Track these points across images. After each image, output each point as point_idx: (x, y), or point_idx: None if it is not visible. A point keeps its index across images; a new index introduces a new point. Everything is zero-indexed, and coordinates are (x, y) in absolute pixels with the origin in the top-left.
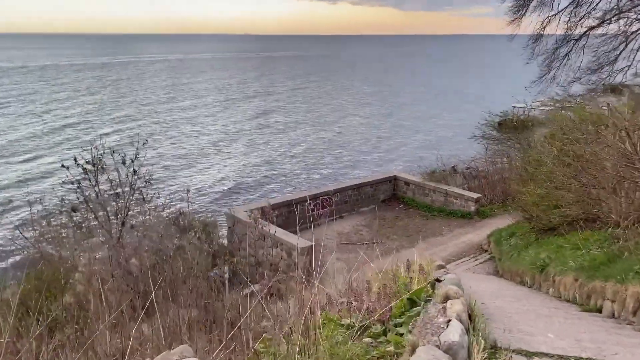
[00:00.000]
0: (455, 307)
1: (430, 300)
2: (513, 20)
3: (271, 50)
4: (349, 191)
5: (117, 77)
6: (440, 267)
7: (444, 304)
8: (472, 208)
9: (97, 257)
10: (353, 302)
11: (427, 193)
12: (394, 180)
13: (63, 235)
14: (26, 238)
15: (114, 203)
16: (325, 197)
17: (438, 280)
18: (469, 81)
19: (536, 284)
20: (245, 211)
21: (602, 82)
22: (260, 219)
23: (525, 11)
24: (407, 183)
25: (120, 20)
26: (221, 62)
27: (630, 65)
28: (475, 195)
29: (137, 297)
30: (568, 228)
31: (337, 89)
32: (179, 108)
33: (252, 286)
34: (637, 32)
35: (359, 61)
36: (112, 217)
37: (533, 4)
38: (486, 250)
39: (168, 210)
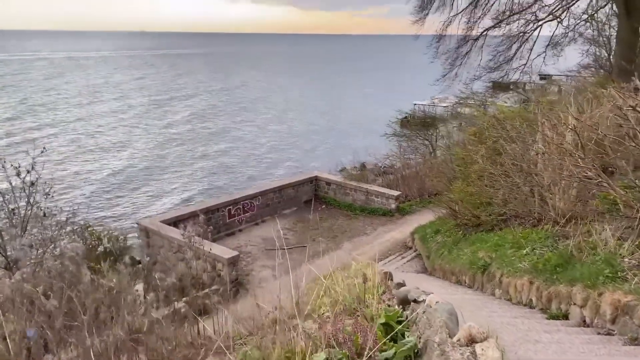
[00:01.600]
0: (490, 353)
1: (403, 322)
2: (417, 21)
3: (169, 47)
4: (271, 194)
5: (7, 77)
6: (400, 285)
7: (470, 349)
8: (393, 205)
9: None
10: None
11: (348, 192)
12: (315, 180)
13: None
14: None
15: (7, 220)
16: (247, 201)
17: (415, 302)
18: (373, 80)
19: (477, 284)
20: (162, 222)
21: (500, 80)
22: (194, 237)
23: (428, 12)
24: (328, 183)
25: None
26: (113, 60)
27: (526, 64)
28: (395, 193)
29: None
30: (500, 225)
31: (244, 86)
32: (70, 108)
33: (175, 304)
34: (530, 33)
35: (262, 59)
36: (7, 237)
37: (435, 5)
38: (410, 248)
39: (71, 225)
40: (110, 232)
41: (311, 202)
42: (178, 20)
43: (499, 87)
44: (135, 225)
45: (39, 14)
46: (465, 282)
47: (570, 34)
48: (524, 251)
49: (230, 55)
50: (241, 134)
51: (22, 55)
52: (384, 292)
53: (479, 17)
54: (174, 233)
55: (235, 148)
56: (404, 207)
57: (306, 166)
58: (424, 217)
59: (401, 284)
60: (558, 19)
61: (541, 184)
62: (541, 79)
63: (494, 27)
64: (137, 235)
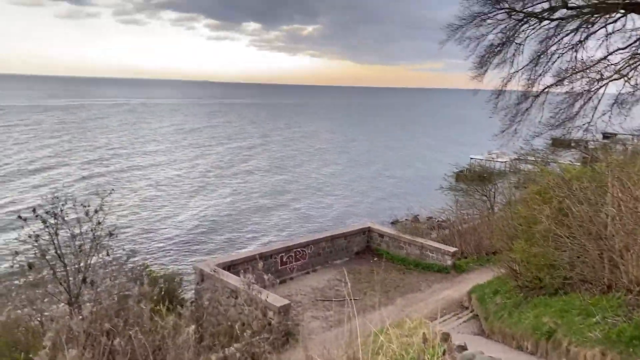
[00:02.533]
0: None
1: None
2: (475, 77)
3: (234, 97)
4: (322, 243)
5: (80, 120)
6: (462, 348)
7: None
8: (449, 262)
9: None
10: None
11: (402, 246)
12: (367, 232)
13: (14, 294)
14: None
15: (73, 256)
16: (299, 249)
17: None
18: (429, 132)
19: (541, 351)
20: (216, 265)
21: (562, 137)
22: (253, 284)
23: (487, 68)
24: (381, 235)
25: (74, 63)
26: (184, 107)
27: (590, 122)
28: (451, 249)
29: None
30: (565, 289)
31: (304, 136)
32: (144, 153)
33: (226, 350)
34: (594, 91)
35: (322, 110)
36: (72, 273)
37: (494, 62)
38: (467, 307)
39: (131, 265)
40: (167, 273)
41: (363, 253)
42: (242, 72)
43: (561, 144)
44: (192, 268)
45: (116, 63)
46: (528, 348)
47: (638, 93)
48: (594, 319)
49: (291, 106)
50: (297, 182)
51: (101, 101)
52: (443, 354)
53: (540, 74)
54: (228, 277)
55: (289, 195)
56: (460, 264)
57: (359, 216)
58: (482, 276)
59: (463, 347)
60: (625, 78)
61: (612, 249)
62: (605, 137)
63: (555, 84)
64: (193, 278)
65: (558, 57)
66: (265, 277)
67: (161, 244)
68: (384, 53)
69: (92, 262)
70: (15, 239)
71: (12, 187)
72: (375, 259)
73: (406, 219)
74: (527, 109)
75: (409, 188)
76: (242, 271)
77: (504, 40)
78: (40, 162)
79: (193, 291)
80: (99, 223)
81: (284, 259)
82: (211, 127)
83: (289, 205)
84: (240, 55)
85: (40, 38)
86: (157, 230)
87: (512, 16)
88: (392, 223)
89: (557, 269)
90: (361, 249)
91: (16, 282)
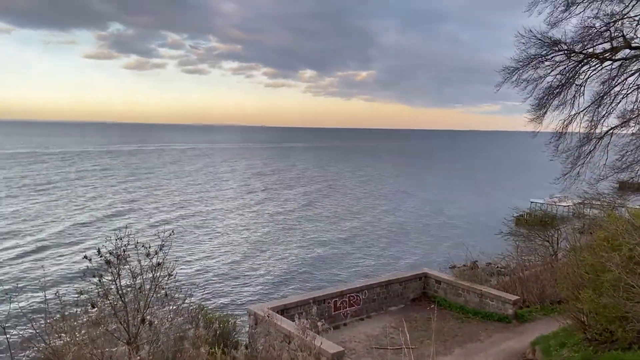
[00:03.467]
0: None
1: None
2: (534, 119)
3: (291, 141)
4: (377, 289)
5: (151, 164)
6: None
7: None
8: (510, 311)
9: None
10: None
11: (460, 293)
12: (424, 277)
13: (77, 332)
14: (36, 331)
15: (133, 296)
16: (352, 294)
17: None
18: (487, 175)
19: None
20: (269, 308)
21: (629, 180)
22: (308, 330)
23: (546, 111)
24: (438, 281)
25: (142, 110)
26: (246, 151)
27: None
28: (513, 297)
29: None
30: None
31: (358, 179)
32: (209, 196)
33: None
34: None
35: (375, 153)
36: (132, 313)
37: (554, 103)
38: None
39: (187, 305)
40: (222, 315)
41: (419, 300)
42: (298, 116)
43: (629, 188)
44: (246, 311)
45: (181, 110)
46: None
47: None
48: None
49: (345, 150)
50: (351, 225)
51: (168, 146)
52: None
53: (604, 115)
54: (282, 321)
55: (343, 237)
56: (522, 314)
57: (414, 260)
58: (546, 327)
59: None
60: None
61: None
62: None
63: (621, 126)
64: (247, 321)
65: (622, 98)
66: (319, 323)
67: (217, 286)
68: (438, 96)
69: (151, 302)
70: (81, 277)
71: (82, 227)
72: (432, 306)
73: (464, 265)
74: (590, 152)
75: (465, 232)
76: (296, 315)
77: (564, 81)
78: (109, 203)
79: (247, 334)
80: (159, 264)
81: (338, 304)
82: (273, 171)
83: (343, 247)
84: (296, 100)
85: (111, 88)
86: (214, 272)
87: (572, 57)
88: (450, 268)
89: (630, 322)
90: (417, 296)
91: (80, 320)
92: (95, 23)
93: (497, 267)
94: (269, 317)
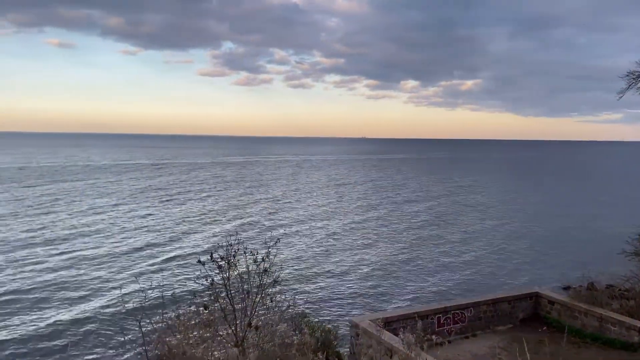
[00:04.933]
0: None
1: None
2: None
3: (392, 152)
4: (484, 306)
5: (259, 174)
6: None
7: None
8: (636, 339)
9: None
10: None
11: (576, 316)
12: (535, 297)
13: (190, 332)
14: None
15: (241, 300)
16: (457, 311)
17: None
18: (607, 189)
19: None
20: (371, 321)
21: None
22: (413, 345)
23: None
24: (551, 302)
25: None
26: (347, 163)
27: None
28: (639, 324)
29: None
30: None
31: (462, 191)
32: (313, 206)
33: None
34: None
35: (482, 164)
36: (239, 317)
37: None
38: None
39: (291, 312)
40: (324, 324)
41: (530, 321)
42: (399, 128)
43: None
44: (347, 321)
45: (284, 123)
46: None
47: None
48: None
49: (448, 161)
50: (453, 238)
51: (273, 158)
52: None
53: None
54: (384, 335)
55: (447, 250)
56: None
57: (523, 278)
58: None
59: None
60: None
61: None
62: None
63: None
64: (348, 331)
65: None
66: (433, 336)
67: (319, 295)
68: (549, 105)
69: (257, 307)
70: (194, 281)
71: (197, 232)
72: (545, 328)
73: (580, 285)
74: None
75: (581, 250)
76: (401, 329)
77: None
78: (222, 210)
79: (348, 345)
80: (266, 270)
81: (441, 321)
82: (374, 182)
83: (447, 261)
84: (398, 112)
85: (222, 104)
86: (316, 281)
87: None
88: (564, 289)
89: None
90: (527, 316)
91: (192, 321)
92: (210, 43)
93: (620, 290)
94: (370, 329)
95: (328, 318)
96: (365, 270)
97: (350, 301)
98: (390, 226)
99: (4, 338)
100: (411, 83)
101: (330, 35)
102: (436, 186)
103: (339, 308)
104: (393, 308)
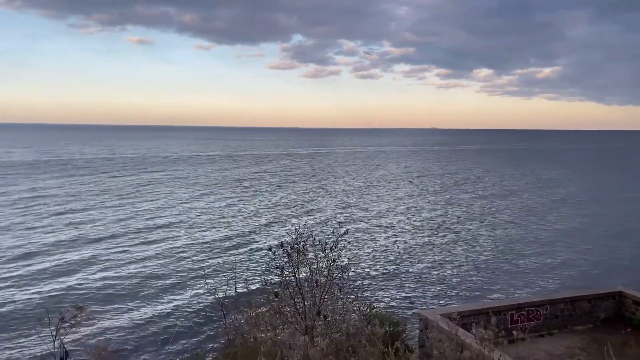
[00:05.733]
0: None
1: None
2: None
3: (463, 143)
4: (561, 304)
5: (328, 166)
6: None
7: None
8: None
9: (292, 347)
10: None
11: None
12: (618, 296)
13: (261, 318)
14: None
15: (309, 290)
16: (532, 308)
17: None
18: None
19: None
20: (441, 315)
21: None
22: (487, 341)
23: None
24: (637, 302)
25: (314, 116)
26: (418, 154)
27: None
28: None
29: None
30: None
31: (541, 186)
32: (383, 198)
33: None
34: None
35: (560, 155)
36: (308, 306)
37: None
38: None
39: (359, 303)
40: (392, 316)
41: (612, 321)
42: (470, 118)
43: None
44: (412, 314)
45: (352, 115)
46: None
47: None
48: None
49: (524, 152)
50: (527, 232)
51: (334, 149)
52: None
53: None
54: (454, 329)
55: (521, 246)
56: None
57: (604, 276)
58: None
59: None
60: None
61: None
62: None
63: None
64: (415, 324)
65: None
66: (514, 332)
67: (386, 286)
68: (636, 92)
69: (325, 296)
70: (266, 268)
71: (269, 222)
72: (629, 329)
73: None
74: None
75: None
76: (473, 324)
77: None
78: (291, 201)
79: (417, 339)
80: (334, 260)
81: (515, 317)
82: (447, 174)
83: (522, 254)
84: (470, 101)
85: (290, 96)
86: (385, 273)
87: None
88: None
89: None
90: (609, 316)
91: (263, 307)
92: (280, 36)
93: None
94: (440, 322)
95: (395, 310)
96: (433, 263)
97: (418, 294)
98: (459, 220)
99: (93, 331)
100: (484, 71)
101: (399, 24)
102: (518, 179)
103: (407, 301)
104: (462, 303)
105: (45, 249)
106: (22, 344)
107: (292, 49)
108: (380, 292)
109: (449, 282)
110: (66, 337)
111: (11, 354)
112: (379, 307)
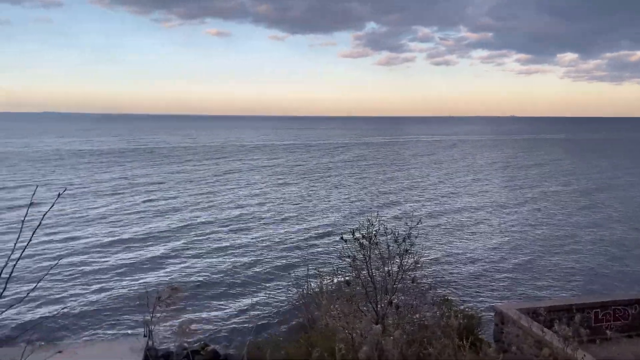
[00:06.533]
0: None
1: None
2: None
3: (546, 132)
4: None
5: (404, 155)
6: None
7: None
8: None
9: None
10: None
11: None
12: None
13: (332, 305)
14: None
15: (381, 279)
16: (618, 307)
17: None
18: None
19: None
20: (518, 309)
21: None
22: (570, 338)
23: None
24: None
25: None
26: (500, 143)
27: None
28: None
29: None
30: None
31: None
32: (464, 191)
33: None
34: None
35: None
36: (380, 295)
37: None
38: None
39: (432, 294)
40: (466, 309)
41: None
42: (552, 105)
43: None
44: (489, 308)
45: (417, 103)
46: None
47: None
48: None
49: (615, 142)
50: (620, 228)
51: (409, 138)
52: None
53: None
54: (533, 326)
55: (610, 242)
56: None
57: None
58: None
59: None
60: None
61: None
62: None
63: None
64: (489, 318)
65: None
66: (608, 332)
67: (461, 279)
68: None
69: (397, 287)
70: (337, 257)
71: (341, 210)
72: None
73: None
74: None
75: None
76: (556, 321)
77: None
78: (364, 190)
79: (492, 333)
80: (407, 251)
81: (599, 316)
82: (530, 165)
83: (611, 251)
84: (552, 88)
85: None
86: (459, 265)
87: None
88: None
89: None
90: None
91: (335, 295)
92: (353, 25)
93: None
94: (518, 318)
95: (470, 304)
96: (511, 256)
97: (493, 288)
98: (544, 212)
99: (181, 312)
100: (569, 56)
101: (477, 8)
102: (602, 171)
103: (481, 294)
104: (539, 298)
105: (139, 236)
106: (122, 321)
107: (365, 37)
108: (453, 284)
109: (527, 277)
110: (160, 314)
111: (108, 329)
112: (452, 299)
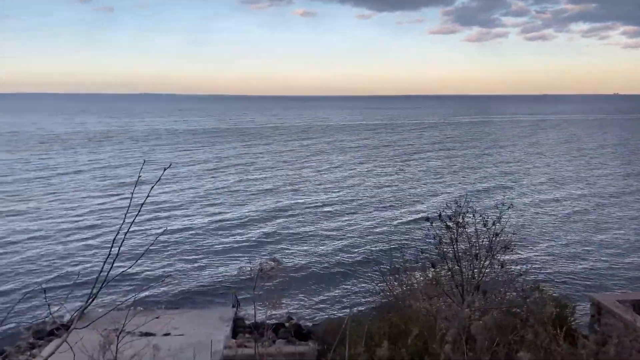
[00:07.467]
0: None
1: None
2: None
3: None
4: None
5: (495, 135)
6: None
7: None
8: None
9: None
10: None
11: None
12: None
13: (416, 286)
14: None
15: (468, 263)
16: None
17: None
18: None
19: None
20: (618, 301)
21: None
22: None
23: None
24: None
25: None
26: (604, 123)
27: None
28: None
29: None
30: None
31: None
32: (554, 173)
33: None
34: None
35: None
36: (466, 279)
37: None
38: None
39: (522, 280)
40: (560, 297)
41: None
42: None
43: None
44: (587, 298)
45: (510, 81)
46: None
47: None
48: None
49: None
50: None
51: (504, 117)
52: None
53: None
54: (635, 317)
55: None
56: None
57: None
58: None
59: None
60: None
61: None
62: None
63: None
64: (585, 308)
65: None
66: None
67: (554, 266)
68: None
69: (485, 271)
70: (421, 238)
71: (429, 191)
72: None
73: None
74: None
75: None
76: None
77: None
78: (452, 170)
79: (587, 324)
80: (496, 235)
81: None
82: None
83: None
84: None
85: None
86: (552, 252)
87: None
88: None
89: None
90: None
91: (419, 276)
92: (443, 0)
93: None
94: (617, 309)
95: (560, 291)
96: (611, 247)
97: (589, 277)
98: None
99: (276, 284)
100: None
101: None
102: None
103: (575, 284)
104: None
105: (235, 216)
106: (213, 292)
107: (454, 12)
108: (545, 271)
109: (627, 265)
110: (256, 286)
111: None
112: (544, 287)
